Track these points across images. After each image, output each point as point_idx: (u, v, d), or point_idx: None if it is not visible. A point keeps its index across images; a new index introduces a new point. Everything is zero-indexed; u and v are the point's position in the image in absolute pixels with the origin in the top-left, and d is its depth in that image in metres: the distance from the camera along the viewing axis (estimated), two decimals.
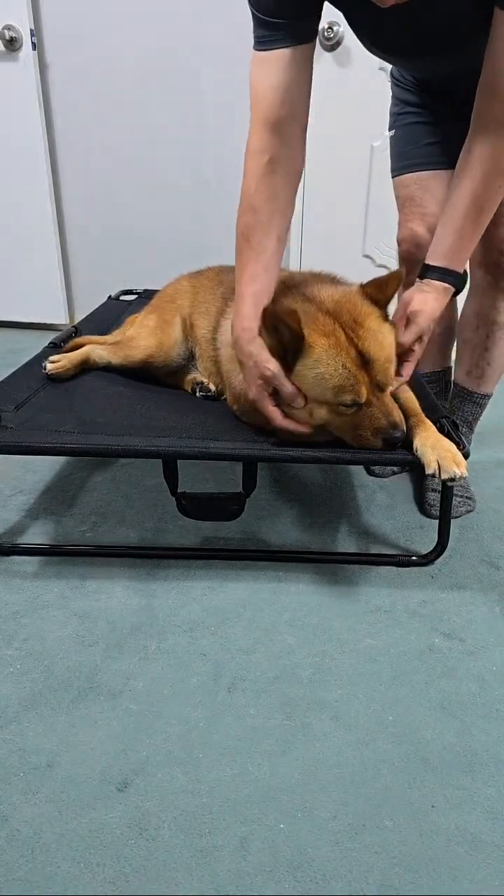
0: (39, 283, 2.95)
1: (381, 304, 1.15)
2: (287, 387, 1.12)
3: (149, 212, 2.84)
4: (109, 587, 1.27)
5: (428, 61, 1.22)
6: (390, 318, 1.18)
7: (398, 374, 1.18)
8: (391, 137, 1.49)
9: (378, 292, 1.14)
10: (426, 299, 1.16)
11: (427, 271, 1.18)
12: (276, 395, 1.16)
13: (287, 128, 1.13)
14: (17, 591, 1.25)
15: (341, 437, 1.17)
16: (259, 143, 1.13)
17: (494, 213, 1.25)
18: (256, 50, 1.10)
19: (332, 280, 1.28)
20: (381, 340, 1.11)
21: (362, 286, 1.16)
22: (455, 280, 1.18)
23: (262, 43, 1.09)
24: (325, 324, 1.10)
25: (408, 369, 1.20)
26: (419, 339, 1.18)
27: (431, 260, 1.18)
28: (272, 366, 1.12)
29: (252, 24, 1.09)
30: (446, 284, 1.17)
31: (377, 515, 1.55)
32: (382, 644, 1.15)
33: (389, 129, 1.49)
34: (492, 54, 1.03)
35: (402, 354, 1.18)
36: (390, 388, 1.16)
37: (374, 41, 1.20)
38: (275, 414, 1.16)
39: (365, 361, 1.09)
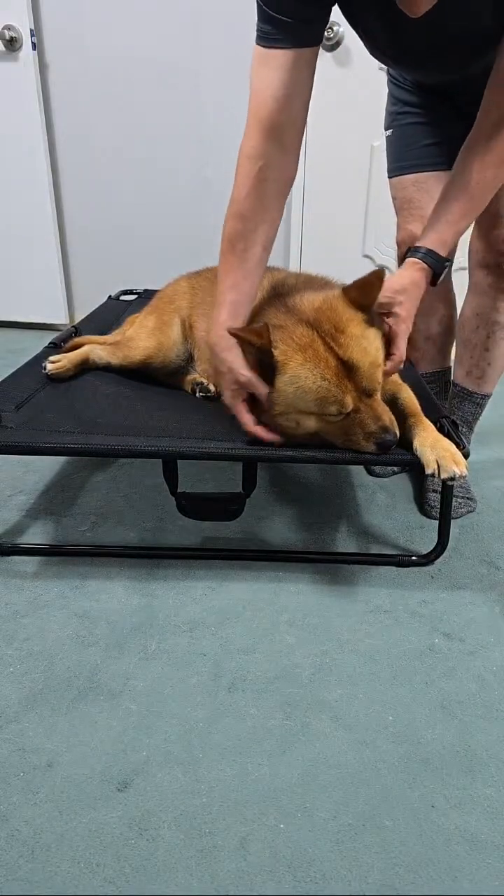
0: (39, 283, 2.95)
1: (365, 308, 1.12)
2: (262, 390, 1.12)
3: (149, 212, 2.85)
4: (109, 587, 1.27)
5: (440, 70, 1.22)
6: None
7: (390, 354, 1.16)
8: (388, 137, 1.49)
9: (361, 296, 1.11)
10: (391, 276, 1.16)
11: (408, 252, 1.19)
12: (253, 400, 1.16)
13: (284, 133, 1.11)
14: (17, 591, 1.25)
15: (334, 443, 1.16)
16: (254, 147, 1.12)
17: (495, 213, 1.25)
18: (259, 45, 1.08)
19: (325, 284, 1.27)
20: (365, 346, 1.09)
21: (344, 290, 1.14)
22: (433, 261, 1.17)
23: (265, 39, 1.07)
24: (301, 336, 1.09)
25: (398, 346, 1.16)
26: (391, 314, 1.15)
27: (417, 242, 1.19)
28: (247, 372, 1.13)
29: (257, 15, 1.06)
30: (416, 260, 1.16)
31: (377, 515, 1.55)
32: (382, 644, 1.15)
33: (386, 129, 1.49)
34: None
35: (389, 337, 1.17)
36: (391, 366, 1.15)
37: (388, 51, 1.19)
38: (247, 420, 1.16)
39: (349, 369, 1.08)
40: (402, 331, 1.17)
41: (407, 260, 1.18)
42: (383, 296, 1.14)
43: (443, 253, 1.18)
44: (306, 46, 1.06)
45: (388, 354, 1.16)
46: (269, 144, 1.11)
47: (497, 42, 1.04)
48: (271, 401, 1.12)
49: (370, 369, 1.09)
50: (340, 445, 1.16)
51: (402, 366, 1.20)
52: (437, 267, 1.18)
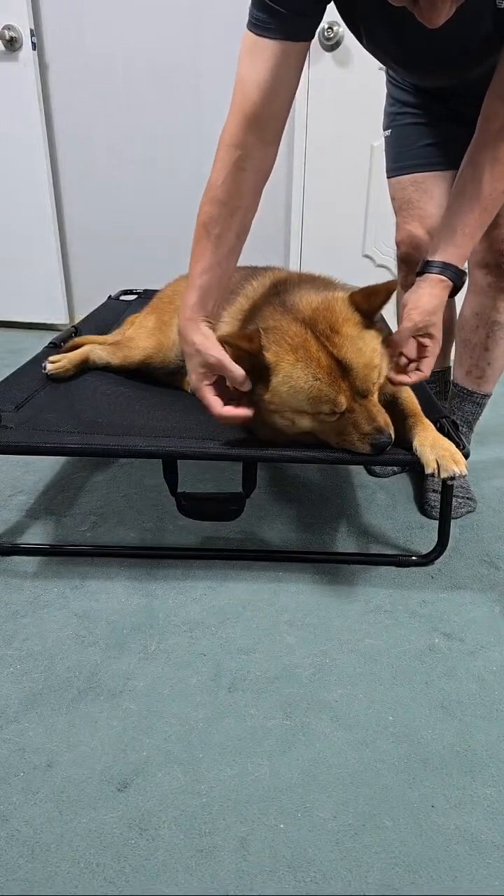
0: (39, 283, 2.95)
1: (367, 314, 1.13)
2: (235, 371, 1.11)
3: (149, 212, 2.85)
4: (109, 587, 1.27)
5: (441, 73, 1.22)
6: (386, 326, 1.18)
7: (418, 370, 1.18)
8: (386, 137, 1.49)
9: (364, 301, 1.12)
10: (420, 295, 1.15)
11: (425, 266, 1.17)
12: (220, 383, 1.16)
13: (266, 125, 1.11)
14: (17, 591, 1.25)
15: (328, 442, 1.16)
16: (234, 136, 1.11)
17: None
18: (250, 30, 1.07)
19: (328, 284, 1.27)
20: (360, 347, 1.09)
21: (351, 294, 1.14)
22: (453, 275, 1.16)
23: (257, 26, 1.05)
24: (294, 336, 1.09)
25: (426, 365, 1.18)
26: (427, 335, 1.16)
27: (431, 256, 1.17)
28: (216, 353, 1.11)
29: (251, 1, 1.04)
30: (443, 277, 1.16)
31: (377, 515, 1.55)
32: (382, 644, 1.15)
33: (385, 129, 1.49)
34: None
35: (418, 351, 1.18)
36: (410, 380, 1.16)
37: (389, 52, 1.19)
38: (214, 403, 1.15)
39: (343, 369, 1.08)
40: (434, 352, 1.18)
41: (432, 277, 1.16)
42: (421, 319, 1.14)
43: (462, 267, 1.18)
44: (298, 40, 1.05)
45: (416, 369, 1.18)
46: (249, 135, 1.10)
47: (496, 47, 1.04)
48: (266, 399, 1.12)
49: (365, 370, 1.09)
50: (335, 445, 1.15)
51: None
52: (459, 283, 1.18)
